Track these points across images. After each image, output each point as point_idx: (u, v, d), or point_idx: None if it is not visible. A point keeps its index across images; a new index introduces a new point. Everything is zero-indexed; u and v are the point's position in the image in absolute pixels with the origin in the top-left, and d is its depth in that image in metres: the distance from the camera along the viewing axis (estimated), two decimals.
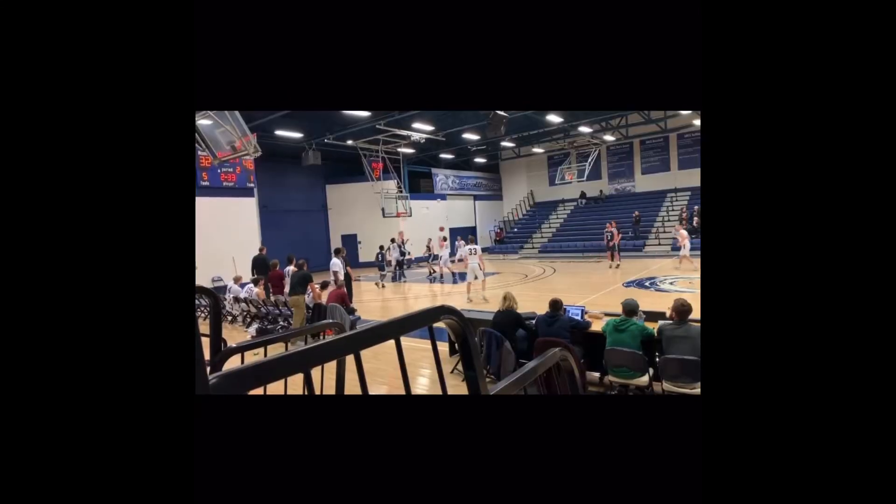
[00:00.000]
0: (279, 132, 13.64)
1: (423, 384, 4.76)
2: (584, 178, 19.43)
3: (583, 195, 21.33)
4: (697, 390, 3.25)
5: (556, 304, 4.05)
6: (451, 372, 4.61)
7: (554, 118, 14.37)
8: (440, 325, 0.98)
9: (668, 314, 3.76)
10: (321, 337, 2.52)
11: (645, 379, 3.53)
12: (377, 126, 13.26)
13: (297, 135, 14.22)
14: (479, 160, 22.67)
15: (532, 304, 4.48)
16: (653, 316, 4.11)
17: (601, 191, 21.20)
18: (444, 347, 5.33)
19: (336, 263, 8.26)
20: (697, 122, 16.92)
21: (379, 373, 4.46)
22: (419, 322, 0.91)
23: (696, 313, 3.56)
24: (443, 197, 21.02)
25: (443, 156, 20.21)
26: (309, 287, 7.08)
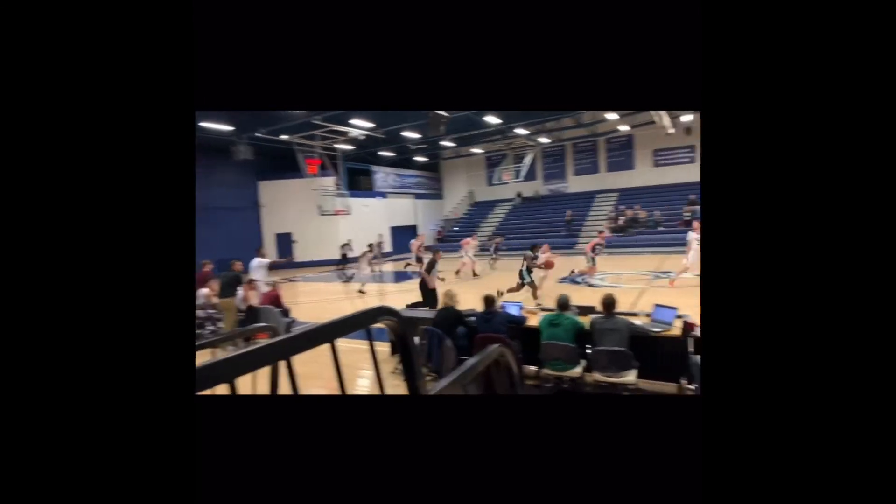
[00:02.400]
0: (206, 124, 12.76)
1: (364, 385, 4.68)
2: (521, 179, 20.10)
3: (519, 195, 22.02)
4: (624, 379, 3.48)
5: (489, 301, 4.15)
6: (393, 372, 4.58)
7: (492, 119, 14.68)
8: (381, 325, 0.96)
9: (597, 308, 3.98)
10: (253, 341, 2.40)
11: (578, 370, 3.72)
12: (313, 121, 12.81)
13: (226, 128, 13.38)
14: (420, 159, 22.66)
15: (475, 302, 4.55)
16: (585, 310, 4.34)
17: (536, 191, 22.01)
18: (386, 347, 5.28)
19: (258, 263, 7.80)
20: (624, 128, 18.07)
21: (316, 376, 4.32)
22: (356, 324, 0.88)
23: (634, 307, 3.79)
24: (383, 195, 20.77)
25: (383, 153, 19.96)
26: (240, 289, 6.69)
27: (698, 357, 3.32)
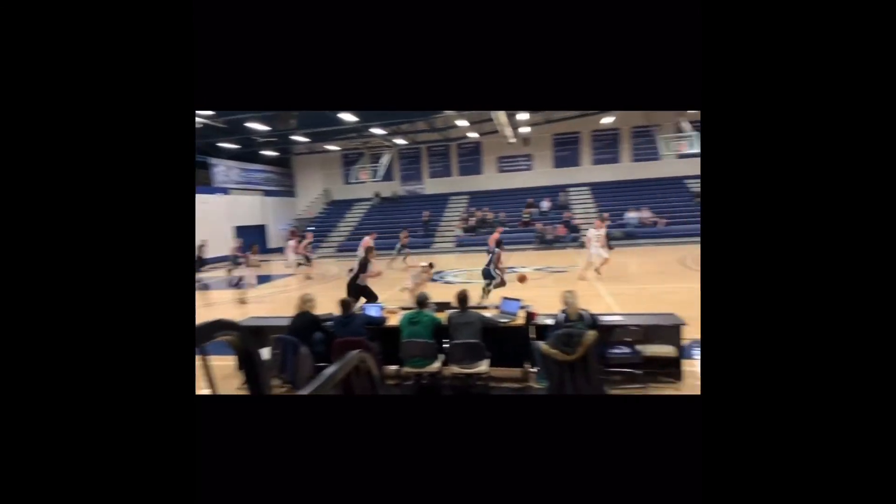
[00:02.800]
0: None
1: None
2: (379, 179, 20.07)
3: (377, 195, 22.00)
4: (478, 369, 3.73)
5: (345, 304, 4.05)
6: (239, 389, 4.12)
7: (347, 116, 14.33)
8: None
9: (453, 304, 4.19)
10: None
11: (436, 365, 3.86)
12: None
13: None
14: (269, 153, 20.94)
15: (333, 305, 4.36)
16: (442, 306, 4.52)
17: (395, 191, 22.27)
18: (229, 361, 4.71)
19: None
20: (473, 135, 19.44)
21: None
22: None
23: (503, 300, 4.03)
24: (224, 191, 18.63)
25: (224, 145, 17.90)
26: None
27: (539, 342, 3.74)
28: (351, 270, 6.76)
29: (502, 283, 7.31)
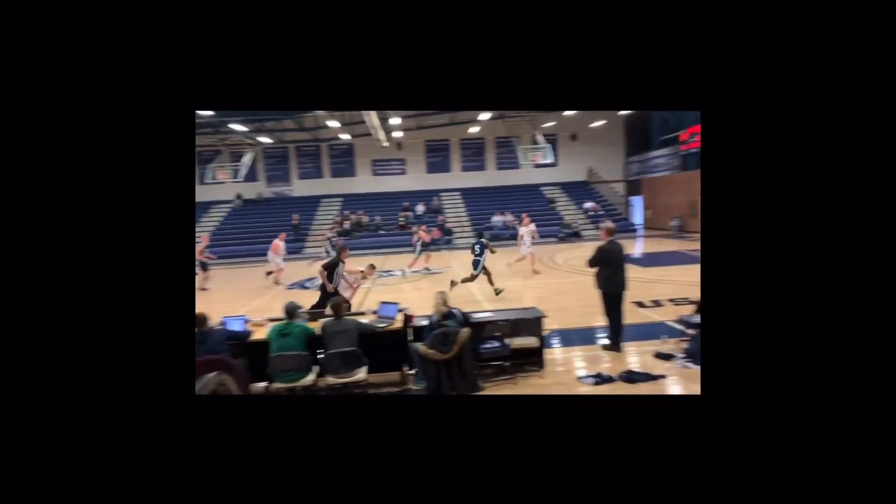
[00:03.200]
0: None
1: None
2: (241, 179, 18.34)
3: (239, 196, 20.10)
4: (356, 378, 3.62)
5: (200, 319, 3.50)
6: None
7: (202, 112, 12.81)
8: None
9: (327, 311, 4.01)
10: None
11: (311, 378, 3.65)
12: None
13: None
14: None
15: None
16: (315, 315, 4.30)
17: (260, 193, 20.58)
18: None
19: None
20: (345, 136, 18.95)
21: None
22: None
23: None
24: None
25: None
26: None
27: (417, 344, 3.79)
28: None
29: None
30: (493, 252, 8.17)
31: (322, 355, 3.65)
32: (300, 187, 21.00)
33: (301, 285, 9.99)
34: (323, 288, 5.65)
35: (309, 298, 7.70)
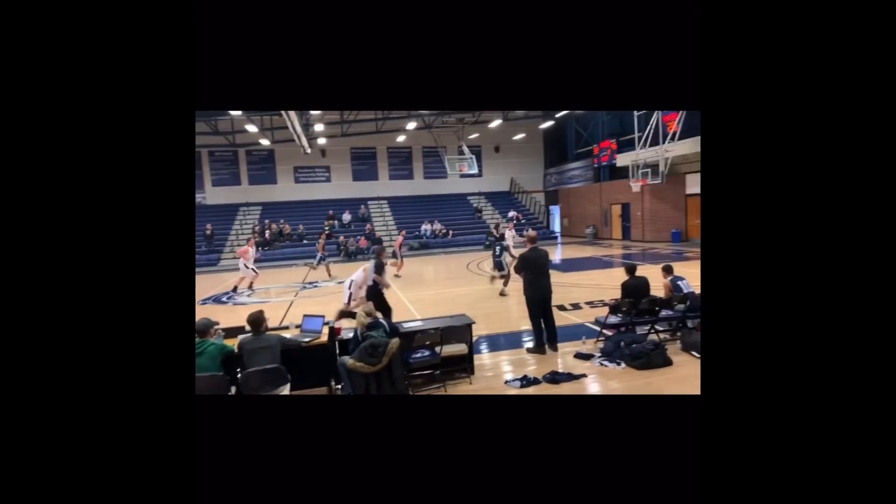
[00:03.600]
0: None
1: None
2: None
3: None
4: (278, 392, 3.41)
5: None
6: None
7: None
8: None
9: (246, 328, 3.75)
10: None
11: None
12: None
13: None
14: None
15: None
16: (232, 332, 3.99)
17: None
18: None
19: None
20: (265, 142, 18.01)
21: None
22: None
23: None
24: None
25: None
26: None
27: (344, 358, 3.66)
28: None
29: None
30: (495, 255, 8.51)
31: (240, 374, 3.39)
32: (214, 195, 19.57)
33: (216, 299, 9.27)
34: (378, 291, 5.40)
35: (225, 314, 7.16)
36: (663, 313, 5.04)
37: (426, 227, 18.07)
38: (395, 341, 3.53)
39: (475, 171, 17.74)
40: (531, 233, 5.04)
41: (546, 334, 4.84)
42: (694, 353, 4.42)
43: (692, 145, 12.46)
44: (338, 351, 3.95)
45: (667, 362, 4.24)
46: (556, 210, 22.08)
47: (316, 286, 10.30)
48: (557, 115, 17.77)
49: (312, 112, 13.85)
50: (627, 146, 15.00)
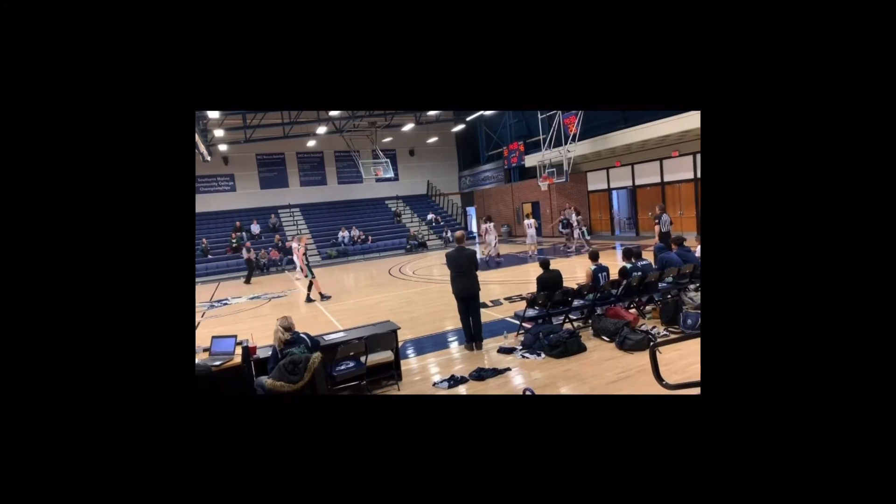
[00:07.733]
0: None
1: None
2: None
3: None
4: None
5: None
6: None
7: None
8: None
9: None
10: None
11: None
12: None
13: None
14: None
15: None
16: None
17: None
18: None
19: None
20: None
21: None
22: None
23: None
24: None
25: None
26: None
27: (262, 378, 3.41)
28: None
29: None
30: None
31: None
32: None
33: None
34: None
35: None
36: (576, 303, 5.40)
37: (343, 234, 17.56)
38: (316, 355, 3.37)
39: (391, 174, 17.63)
40: (458, 233, 5.30)
41: (472, 331, 4.96)
42: (604, 337, 4.79)
43: (590, 146, 13.53)
44: (254, 372, 3.68)
45: (581, 348, 4.55)
46: (472, 211, 22.72)
47: (226, 303, 9.53)
48: (468, 118, 18.28)
49: (210, 115, 12.78)
50: (534, 148, 15.88)
